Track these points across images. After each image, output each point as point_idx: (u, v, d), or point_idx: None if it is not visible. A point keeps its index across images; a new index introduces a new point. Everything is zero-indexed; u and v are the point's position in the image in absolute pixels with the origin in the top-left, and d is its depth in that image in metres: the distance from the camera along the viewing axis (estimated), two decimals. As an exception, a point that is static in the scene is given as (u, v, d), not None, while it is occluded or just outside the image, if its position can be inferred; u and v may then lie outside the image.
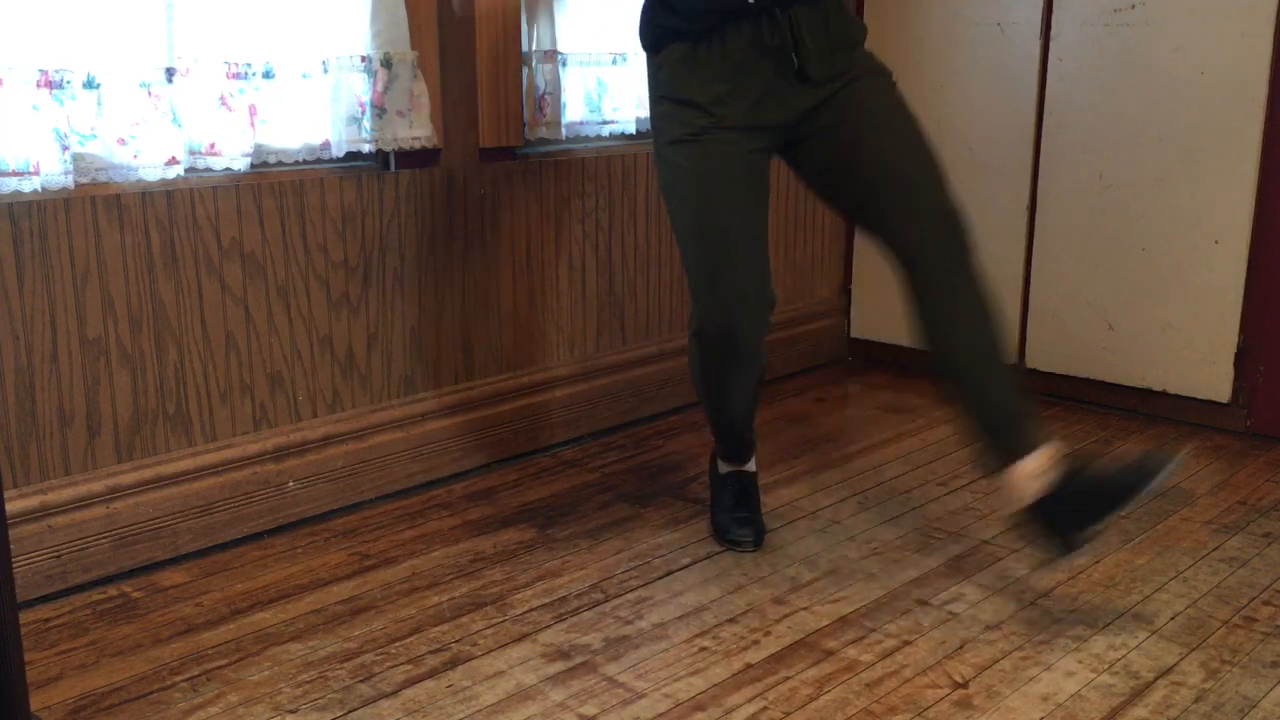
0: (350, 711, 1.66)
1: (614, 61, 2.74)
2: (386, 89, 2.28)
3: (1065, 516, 1.85)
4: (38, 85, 1.84)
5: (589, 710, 1.66)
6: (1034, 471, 1.88)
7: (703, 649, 1.83)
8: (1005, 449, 1.90)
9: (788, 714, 1.65)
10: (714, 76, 1.91)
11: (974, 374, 1.92)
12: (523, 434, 2.68)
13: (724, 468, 2.30)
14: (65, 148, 1.87)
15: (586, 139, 2.75)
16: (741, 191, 1.95)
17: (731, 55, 1.90)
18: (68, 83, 1.88)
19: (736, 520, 2.21)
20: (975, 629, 1.89)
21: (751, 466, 2.30)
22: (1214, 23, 2.67)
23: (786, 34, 1.89)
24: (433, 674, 1.75)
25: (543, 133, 2.61)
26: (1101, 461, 1.89)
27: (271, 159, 2.19)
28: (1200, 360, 2.81)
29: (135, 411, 2.07)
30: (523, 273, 2.64)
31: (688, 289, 2.05)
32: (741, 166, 1.94)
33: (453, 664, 1.78)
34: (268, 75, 2.14)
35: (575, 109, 2.71)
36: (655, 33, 1.96)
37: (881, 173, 1.94)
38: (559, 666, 1.77)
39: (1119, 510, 1.82)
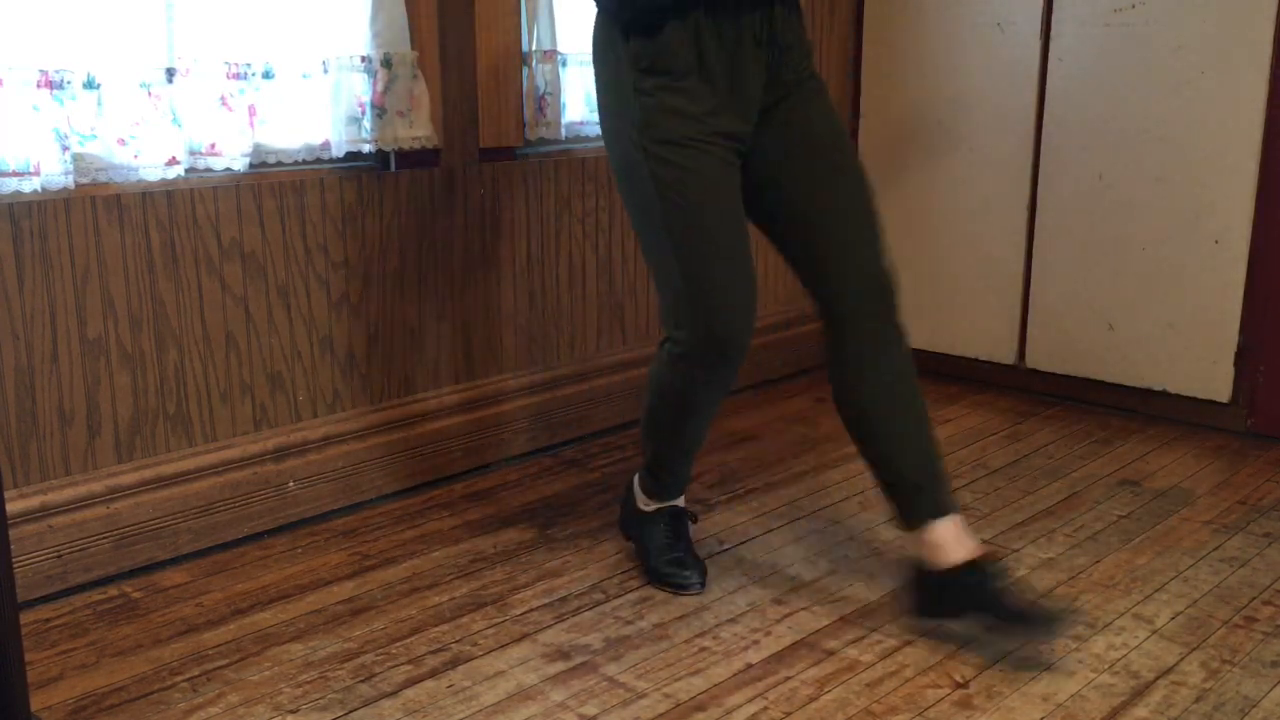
0: (350, 711, 1.66)
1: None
2: (386, 89, 2.28)
3: (963, 598, 1.82)
4: (38, 85, 1.84)
5: (589, 710, 1.66)
6: (955, 534, 1.83)
7: (703, 649, 1.83)
8: (927, 506, 1.84)
9: (788, 714, 1.65)
10: (711, 66, 1.78)
11: (895, 436, 1.87)
12: (522, 434, 2.68)
13: (651, 505, 2.10)
14: (65, 148, 1.87)
15: (586, 139, 2.75)
16: (736, 200, 1.85)
17: (729, 44, 1.77)
18: (68, 83, 1.88)
19: (677, 561, 2.04)
20: (975, 629, 1.89)
21: (681, 501, 2.12)
22: (1214, 23, 2.67)
23: (771, 30, 1.79)
24: (433, 674, 1.75)
25: (543, 133, 2.61)
26: (1002, 581, 1.83)
27: (271, 159, 2.19)
28: (1200, 360, 2.81)
29: (135, 411, 2.07)
30: (523, 273, 2.64)
31: (665, 307, 1.87)
32: (733, 173, 1.84)
33: (453, 664, 1.78)
34: (268, 75, 2.14)
35: (575, 109, 2.71)
36: (647, 6, 1.77)
37: (818, 219, 1.86)
38: (559, 666, 1.77)
39: (1004, 624, 1.80)
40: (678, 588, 2.01)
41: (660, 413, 1.98)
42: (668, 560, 2.04)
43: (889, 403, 1.87)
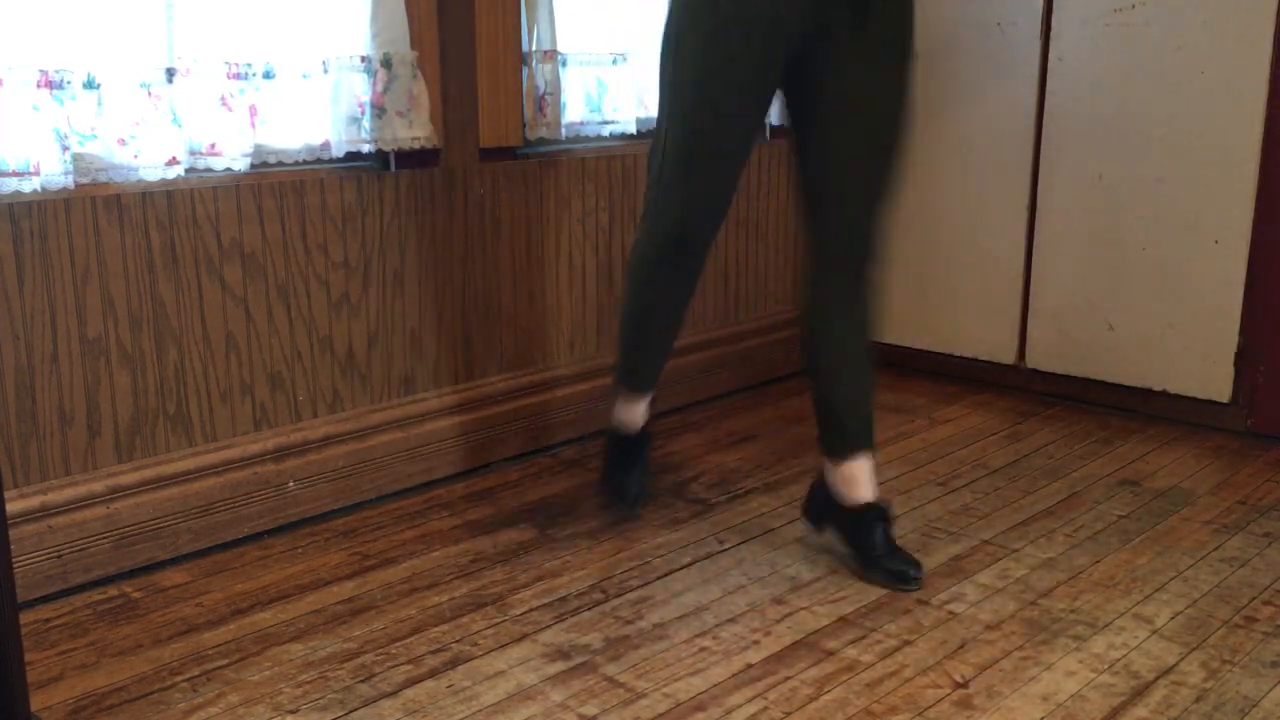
0: (350, 711, 1.66)
1: (614, 61, 2.75)
2: (386, 89, 2.28)
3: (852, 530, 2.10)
4: (38, 85, 1.84)
5: (589, 710, 1.66)
6: (866, 473, 2.08)
7: (703, 649, 1.83)
8: (850, 441, 2.07)
9: (788, 714, 1.65)
10: None
11: (839, 377, 2.08)
12: (523, 434, 2.68)
13: (620, 413, 2.33)
14: (65, 148, 1.87)
15: (586, 139, 2.75)
16: (755, 108, 1.94)
17: None
18: (68, 83, 1.88)
19: (619, 485, 2.33)
20: (975, 629, 1.89)
21: (643, 420, 2.34)
22: (1214, 23, 2.67)
23: None
24: (433, 674, 1.75)
25: (543, 133, 2.61)
26: (887, 528, 2.08)
27: (271, 159, 2.19)
28: (1200, 360, 2.81)
29: (135, 411, 2.07)
30: (523, 273, 2.64)
31: (649, 185, 2.03)
32: (765, 77, 1.92)
33: (453, 664, 1.78)
34: (268, 75, 2.14)
35: (575, 109, 2.71)
36: None
37: (839, 158, 1.97)
38: (559, 666, 1.77)
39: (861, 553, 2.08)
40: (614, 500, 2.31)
41: (632, 307, 2.16)
42: (613, 482, 2.33)
43: (841, 350, 2.07)
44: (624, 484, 2.34)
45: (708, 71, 1.90)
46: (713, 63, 1.89)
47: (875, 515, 2.06)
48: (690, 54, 1.91)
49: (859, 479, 2.07)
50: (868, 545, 2.06)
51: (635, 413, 2.32)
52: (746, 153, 2.02)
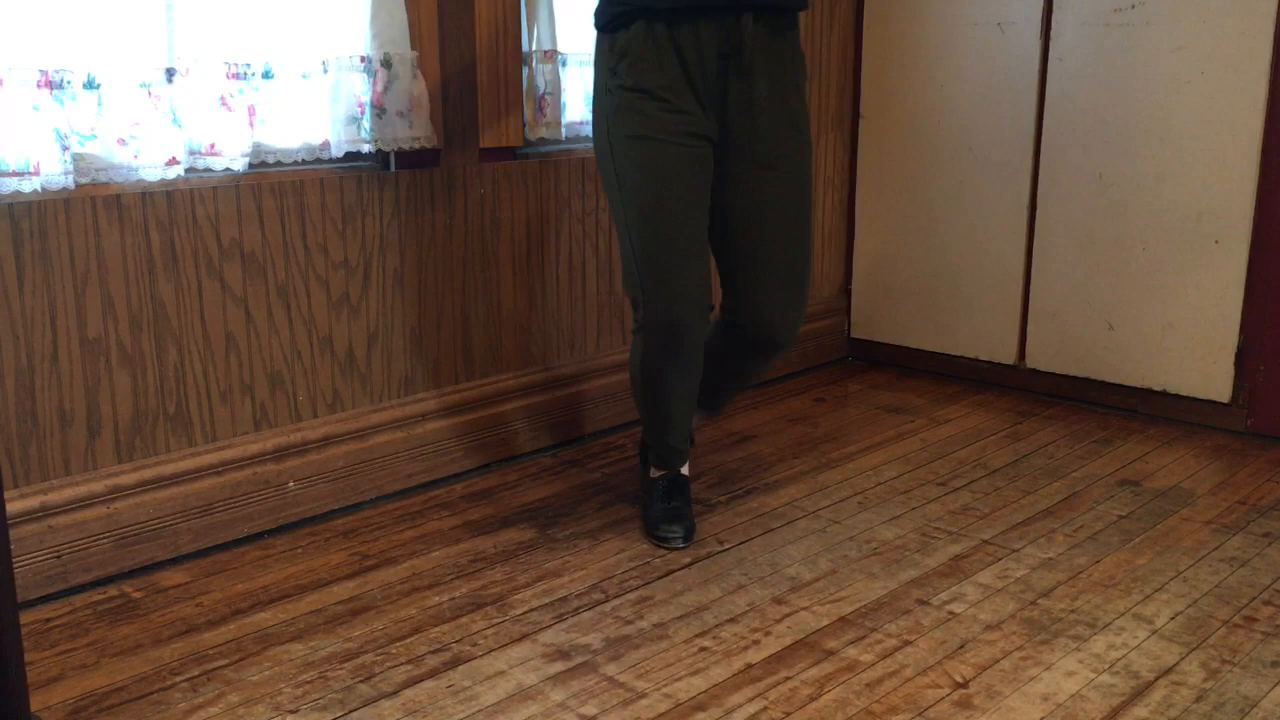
0: (350, 711, 1.66)
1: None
2: (386, 89, 2.28)
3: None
4: (38, 85, 1.84)
5: (589, 710, 1.66)
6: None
7: (703, 649, 1.83)
8: (708, 410, 2.37)
9: (788, 714, 1.65)
10: (676, 68, 1.98)
11: (747, 381, 2.36)
12: (522, 434, 2.68)
13: (655, 472, 2.31)
14: (65, 148, 1.87)
15: (586, 139, 2.75)
16: (693, 195, 2.02)
17: (699, 46, 1.96)
18: (68, 83, 1.88)
19: (667, 514, 2.21)
20: (975, 629, 1.89)
21: (685, 471, 2.33)
22: (1214, 23, 2.67)
23: (747, 44, 1.97)
24: (433, 674, 1.75)
25: (543, 133, 2.61)
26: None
27: (271, 159, 2.19)
28: (1200, 360, 2.81)
29: (135, 411, 2.07)
30: (523, 273, 2.64)
31: (627, 286, 2.09)
32: (697, 167, 2.02)
33: (453, 664, 1.78)
34: (267, 75, 2.14)
35: (575, 109, 2.71)
36: (616, 9, 2.00)
37: (757, 254, 2.10)
38: (559, 666, 1.77)
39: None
40: (660, 541, 2.19)
41: (639, 390, 2.20)
42: (660, 512, 2.22)
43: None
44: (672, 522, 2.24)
45: (645, 171, 2.01)
46: (648, 160, 2.01)
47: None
48: (625, 155, 2.03)
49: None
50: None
51: (682, 493, 2.32)
52: (705, 230, 2.08)
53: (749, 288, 2.12)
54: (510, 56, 2.50)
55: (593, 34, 2.11)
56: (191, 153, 2.07)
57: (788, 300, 2.13)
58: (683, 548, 2.17)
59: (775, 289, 2.12)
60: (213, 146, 2.08)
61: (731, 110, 2.02)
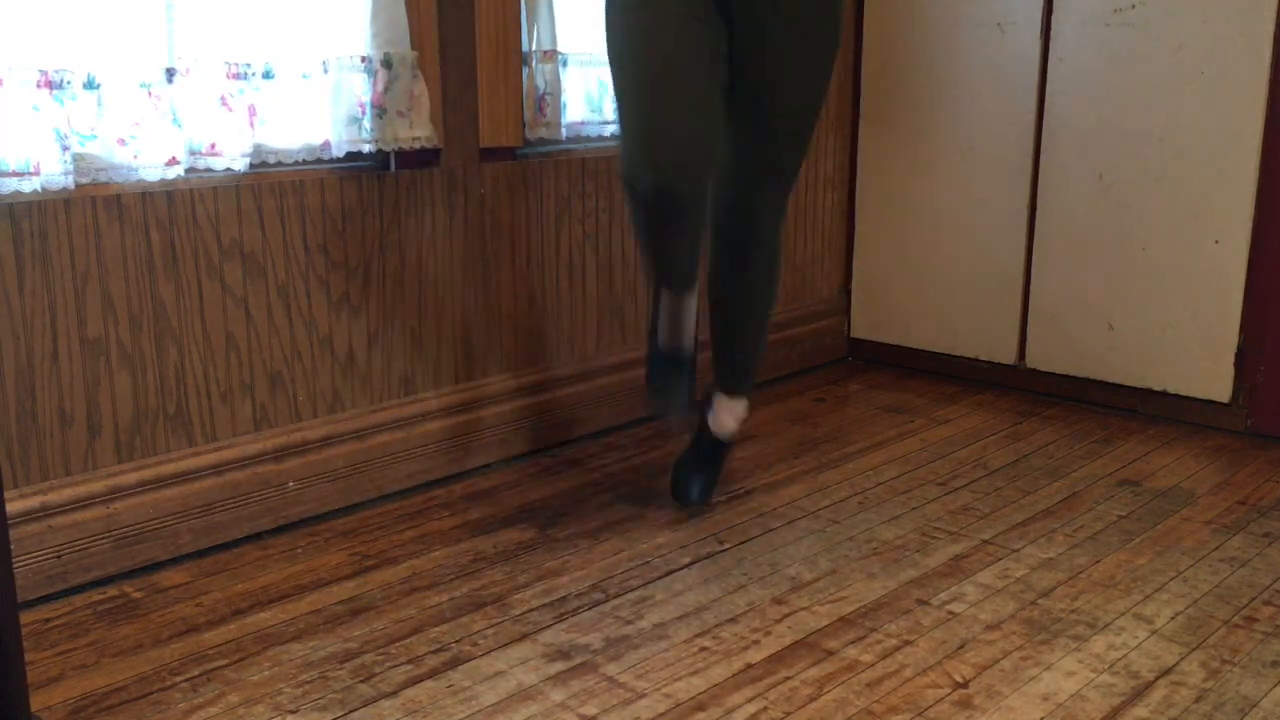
0: (350, 711, 1.66)
1: (614, 61, 2.74)
2: (386, 89, 2.28)
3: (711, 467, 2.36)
4: (38, 85, 1.84)
5: (589, 710, 1.66)
6: (731, 413, 2.32)
7: (703, 649, 1.83)
8: (729, 382, 2.30)
9: (788, 714, 1.65)
10: None
11: (740, 320, 2.25)
12: (523, 434, 2.68)
13: (669, 319, 2.20)
14: (65, 148, 1.87)
15: (587, 139, 2.75)
16: (691, 44, 1.87)
17: None
18: (68, 83, 1.88)
19: (659, 388, 2.23)
20: (975, 629, 1.89)
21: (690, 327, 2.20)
22: (1214, 23, 2.67)
23: None
24: (433, 674, 1.75)
25: (543, 133, 2.61)
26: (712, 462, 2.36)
27: (271, 159, 2.19)
28: (1200, 360, 2.81)
29: (135, 411, 2.07)
30: (523, 273, 2.64)
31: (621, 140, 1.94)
32: (697, 24, 1.89)
33: (453, 664, 1.78)
34: (268, 75, 2.14)
35: (575, 109, 2.71)
36: None
37: (765, 94, 2.00)
38: (559, 666, 1.77)
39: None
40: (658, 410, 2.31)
41: (638, 235, 2.08)
42: (659, 386, 2.23)
43: (742, 303, 2.21)
44: (669, 397, 2.25)
45: (634, 10, 1.90)
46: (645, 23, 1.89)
47: (710, 446, 2.32)
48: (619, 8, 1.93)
49: (723, 413, 2.33)
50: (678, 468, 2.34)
51: (680, 319, 2.16)
52: (700, 74, 1.90)
53: (736, 153, 2.03)
54: (510, 56, 2.50)
55: (593, 33, 2.10)
56: (192, 153, 2.06)
57: (771, 179, 2.08)
58: (683, 424, 2.29)
59: (763, 166, 2.05)
60: (213, 146, 2.08)
61: None
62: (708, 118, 1.89)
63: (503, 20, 2.47)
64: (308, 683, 1.73)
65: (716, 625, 1.91)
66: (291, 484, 2.28)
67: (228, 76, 2.08)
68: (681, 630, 1.89)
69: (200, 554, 2.16)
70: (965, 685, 1.73)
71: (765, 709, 1.66)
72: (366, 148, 2.28)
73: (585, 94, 2.72)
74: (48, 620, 1.91)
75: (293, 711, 1.65)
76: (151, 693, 1.70)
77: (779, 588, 2.04)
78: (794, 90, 2.03)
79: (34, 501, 1.95)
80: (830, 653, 1.82)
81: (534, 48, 2.57)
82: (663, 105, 1.84)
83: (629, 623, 1.91)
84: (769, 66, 1.99)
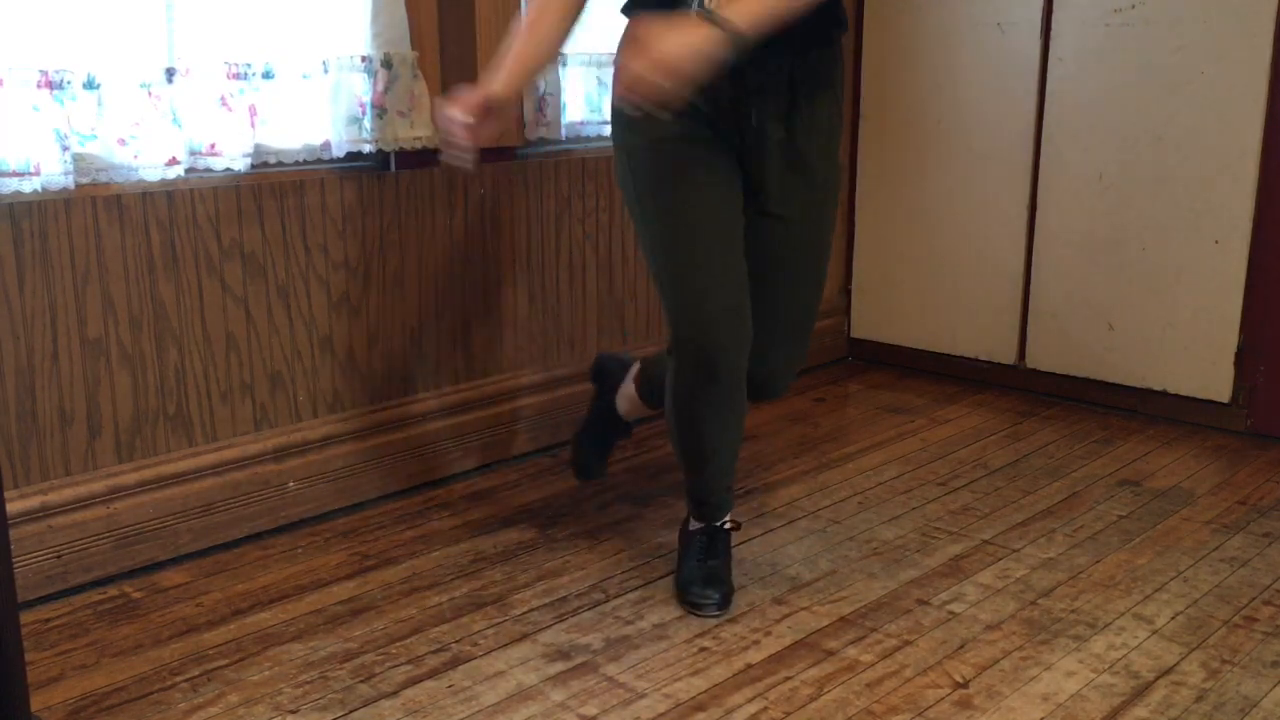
0: (351, 711, 1.66)
1: (614, 61, 2.74)
2: (387, 89, 2.28)
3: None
4: (38, 85, 1.84)
5: (589, 710, 1.66)
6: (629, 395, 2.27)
7: (703, 649, 1.83)
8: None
9: (788, 714, 1.65)
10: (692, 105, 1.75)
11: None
12: (522, 434, 2.68)
13: (694, 525, 2.06)
14: (65, 148, 1.87)
15: (587, 139, 2.75)
16: (720, 202, 1.83)
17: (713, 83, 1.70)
18: (68, 83, 1.88)
19: (702, 574, 1.98)
20: (975, 629, 1.89)
21: (728, 524, 2.07)
22: (1214, 23, 2.67)
23: (783, 86, 1.78)
24: (433, 674, 1.75)
25: (543, 133, 2.61)
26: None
27: (271, 159, 2.19)
28: (1200, 360, 2.81)
29: (135, 411, 2.07)
30: (523, 273, 2.64)
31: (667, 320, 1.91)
32: (718, 173, 1.83)
33: (453, 664, 1.78)
34: (268, 75, 2.13)
35: (575, 109, 2.71)
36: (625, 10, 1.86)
37: (770, 286, 1.91)
38: (559, 666, 1.77)
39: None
40: (692, 607, 1.95)
41: (669, 418, 1.97)
42: (693, 573, 1.99)
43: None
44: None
45: (666, 194, 1.83)
46: (667, 183, 1.83)
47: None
48: (645, 180, 1.85)
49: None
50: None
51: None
52: (734, 241, 1.87)
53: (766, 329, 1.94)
54: (510, 56, 2.50)
55: (592, 34, 2.09)
56: (192, 153, 2.06)
57: (784, 355, 1.97)
58: (717, 616, 1.93)
59: (775, 342, 1.95)
60: (213, 146, 2.08)
61: (747, 141, 1.83)
62: (742, 278, 1.88)
63: (503, 20, 2.47)
64: (308, 683, 1.73)
65: (716, 625, 1.90)
66: (291, 484, 2.28)
67: (228, 76, 2.08)
68: (681, 630, 1.89)
69: (200, 554, 2.16)
70: (965, 685, 1.73)
71: (765, 709, 1.66)
72: (367, 148, 2.28)
73: (585, 94, 2.71)
74: (48, 620, 1.91)
75: (293, 711, 1.65)
76: (151, 693, 1.70)
77: (779, 588, 2.04)
78: (807, 275, 1.96)
79: (34, 501, 1.95)
80: (830, 653, 1.82)
81: (534, 48, 2.57)
82: (707, 272, 1.83)
83: (629, 623, 1.91)
84: (784, 245, 1.91)
